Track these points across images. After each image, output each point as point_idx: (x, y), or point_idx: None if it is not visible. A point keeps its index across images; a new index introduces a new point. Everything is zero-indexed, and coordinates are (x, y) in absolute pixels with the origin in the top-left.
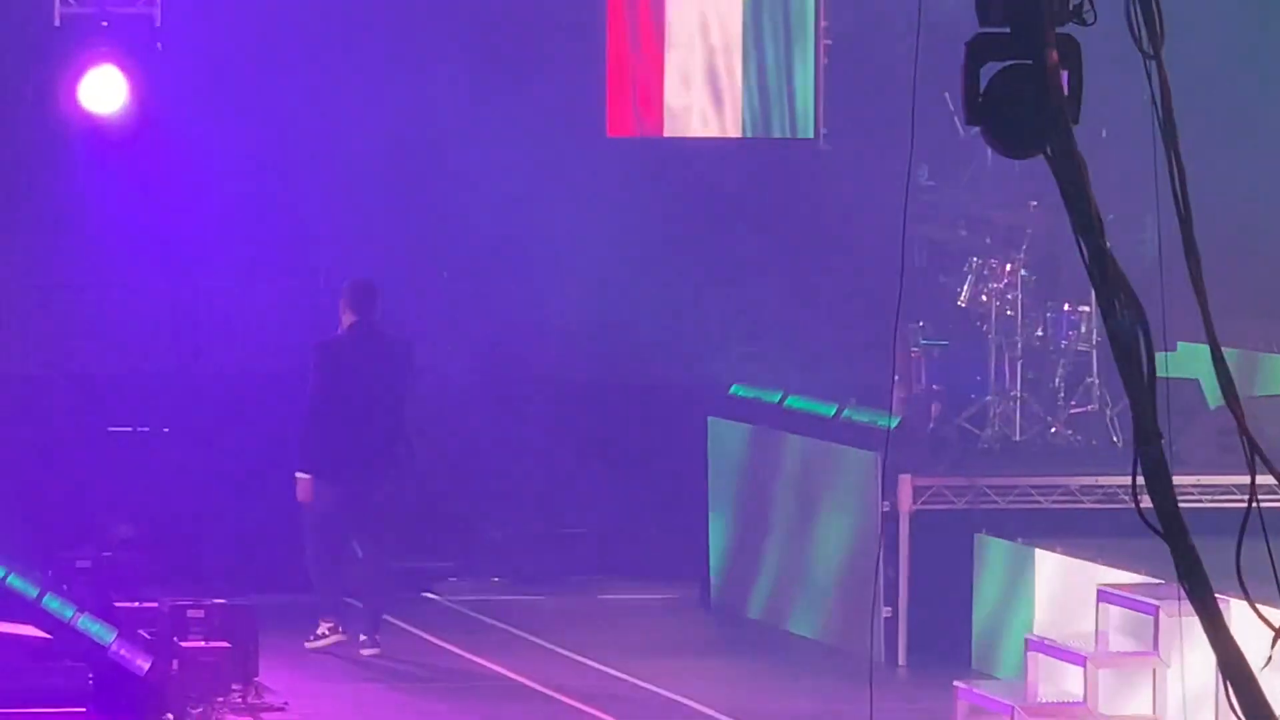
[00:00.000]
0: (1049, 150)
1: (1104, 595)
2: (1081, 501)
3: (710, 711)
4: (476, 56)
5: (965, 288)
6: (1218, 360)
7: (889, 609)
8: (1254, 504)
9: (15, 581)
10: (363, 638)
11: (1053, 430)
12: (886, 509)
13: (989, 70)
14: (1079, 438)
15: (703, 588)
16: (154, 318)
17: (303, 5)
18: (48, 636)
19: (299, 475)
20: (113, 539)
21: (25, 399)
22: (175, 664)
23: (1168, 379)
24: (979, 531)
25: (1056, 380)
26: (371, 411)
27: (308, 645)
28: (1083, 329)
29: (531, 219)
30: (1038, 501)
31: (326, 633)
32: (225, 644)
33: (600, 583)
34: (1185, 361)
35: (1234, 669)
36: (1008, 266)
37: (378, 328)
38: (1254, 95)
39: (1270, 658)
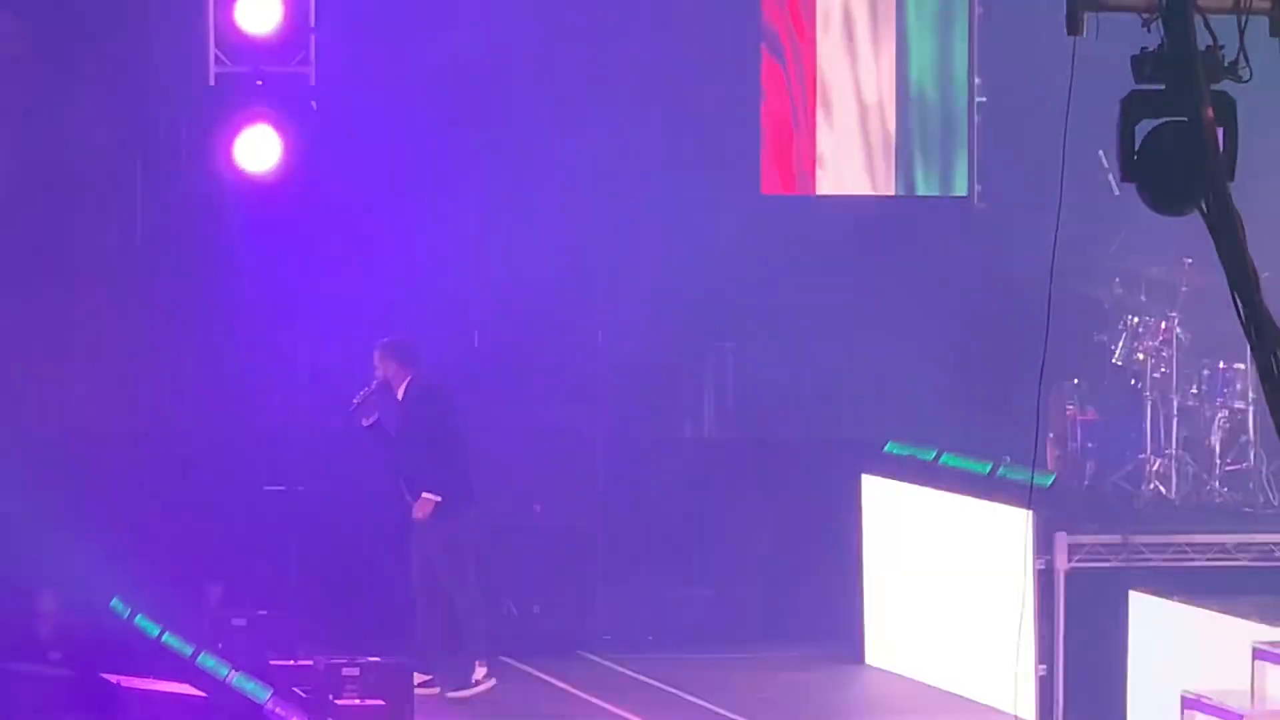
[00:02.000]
0: (1204, 207)
1: (1260, 653)
2: (1237, 559)
3: None
4: (631, 117)
5: (1120, 346)
6: None
7: (1044, 667)
8: None
9: (171, 640)
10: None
11: (1208, 488)
12: (1041, 567)
13: (1144, 127)
14: (1235, 495)
15: (856, 645)
16: (308, 376)
17: (457, 65)
18: (203, 695)
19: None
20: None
21: (181, 457)
22: None
23: None
24: (1134, 589)
25: (1212, 438)
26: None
27: (458, 695)
28: (1238, 386)
29: (685, 276)
30: (1193, 559)
31: (482, 678)
32: (380, 701)
33: (753, 640)
34: None
35: None
36: (1163, 324)
37: (424, 381)
38: None
39: None
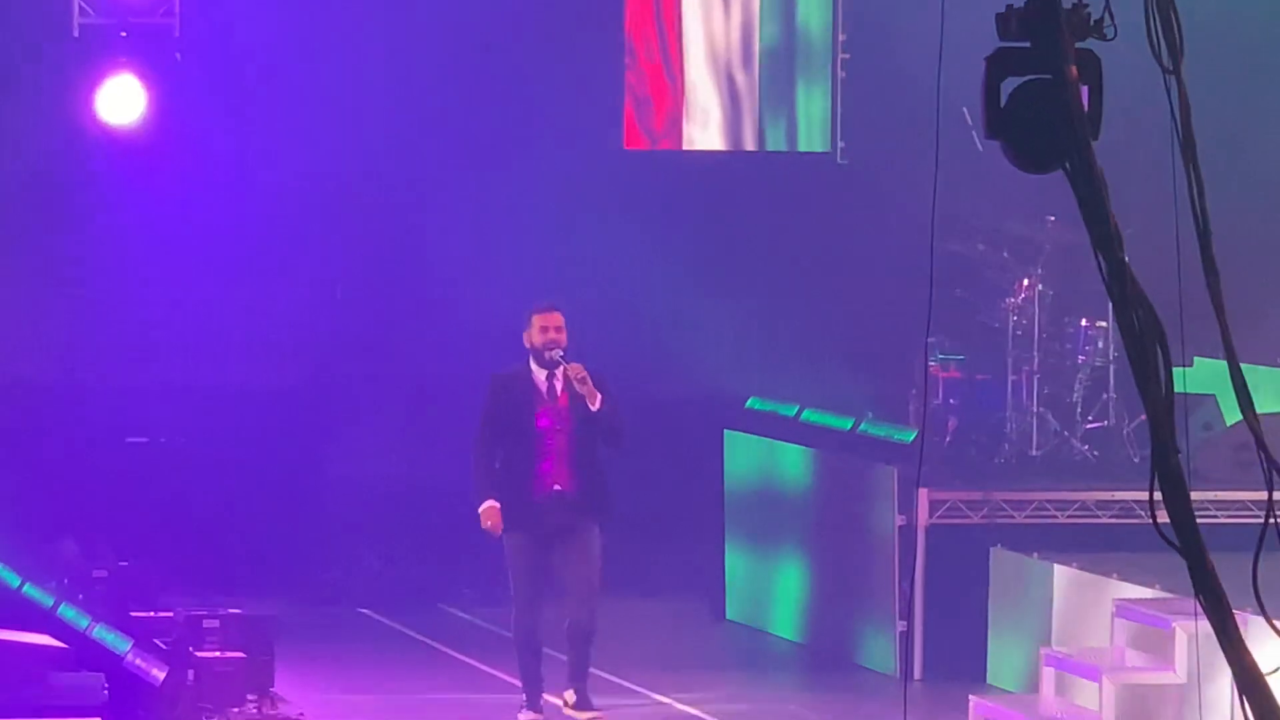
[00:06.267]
0: (1068, 165)
1: (1120, 610)
2: (1098, 516)
3: None
4: (494, 70)
5: (982, 303)
6: (1236, 376)
7: (904, 623)
8: (1271, 520)
9: (31, 590)
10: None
11: (1070, 445)
12: (903, 523)
13: (1009, 85)
14: (1096, 453)
15: (717, 600)
16: (170, 328)
17: (321, 18)
18: (63, 646)
19: None
20: (65, 553)
21: (44, 408)
22: (190, 674)
23: (1185, 394)
24: (995, 545)
25: (1074, 395)
26: None
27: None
28: (1100, 344)
29: (547, 232)
30: (1054, 516)
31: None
32: (241, 654)
33: (615, 595)
34: (1202, 377)
35: (1250, 684)
36: (1025, 281)
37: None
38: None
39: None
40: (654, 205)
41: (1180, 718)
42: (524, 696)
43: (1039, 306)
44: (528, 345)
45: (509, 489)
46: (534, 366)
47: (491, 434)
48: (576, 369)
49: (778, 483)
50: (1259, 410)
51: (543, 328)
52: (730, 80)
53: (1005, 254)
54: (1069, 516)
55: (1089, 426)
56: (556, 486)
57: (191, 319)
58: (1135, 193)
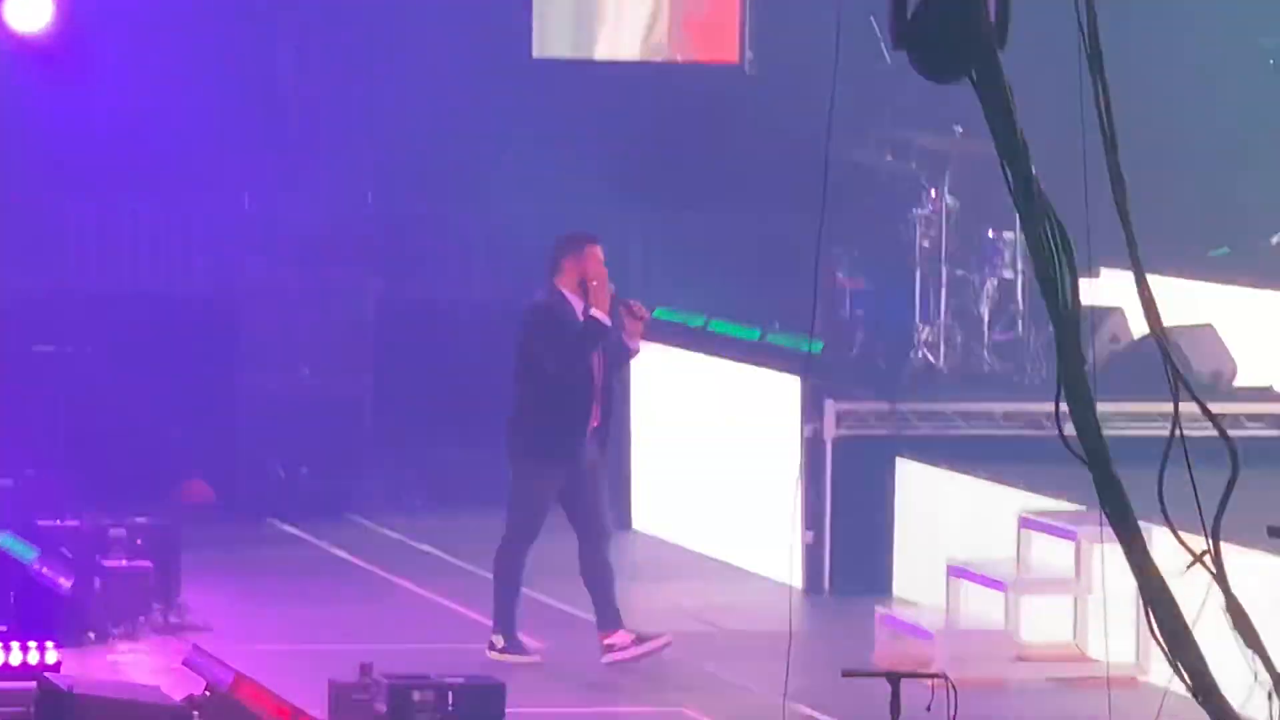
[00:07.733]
0: (974, 75)
1: (1026, 522)
2: (1004, 428)
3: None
4: None
5: (890, 214)
6: (1142, 287)
7: (811, 534)
8: (1176, 432)
9: None
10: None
11: (977, 357)
12: (809, 434)
13: None
14: (1004, 365)
15: (622, 510)
16: (78, 236)
17: None
18: None
19: None
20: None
21: None
22: (97, 583)
23: (1091, 306)
24: (901, 456)
25: (981, 307)
26: None
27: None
28: (1007, 255)
29: (453, 143)
30: (960, 427)
31: (499, 646)
32: (147, 563)
33: None
34: (1109, 289)
35: (1155, 595)
36: (932, 192)
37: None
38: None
39: (1186, 569)
40: (561, 116)
41: (1086, 629)
42: (500, 636)
43: (946, 218)
44: (573, 275)
45: (564, 423)
46: (569, 296)
47: (544, 367)
48: (640, 307)
49: (684, 393)
50: (1165, 323)
51: (598, 258)
52: None
53: (913, 165)
54: (975, 428)
55: (996, 338)
56: (594, 424)
57: (99, 227)
58: (1043, 104)
